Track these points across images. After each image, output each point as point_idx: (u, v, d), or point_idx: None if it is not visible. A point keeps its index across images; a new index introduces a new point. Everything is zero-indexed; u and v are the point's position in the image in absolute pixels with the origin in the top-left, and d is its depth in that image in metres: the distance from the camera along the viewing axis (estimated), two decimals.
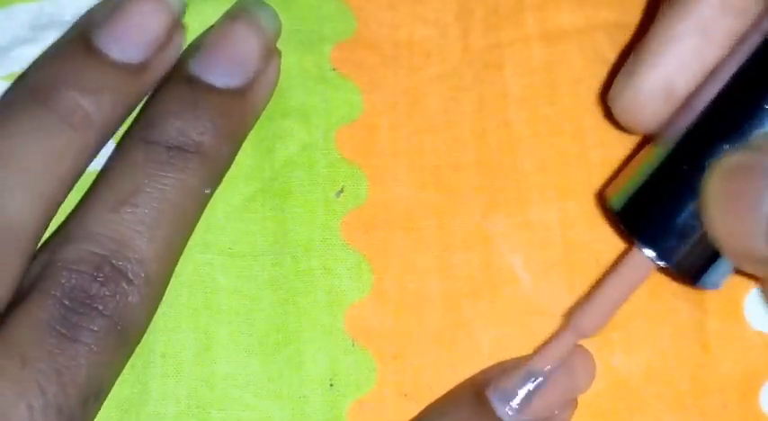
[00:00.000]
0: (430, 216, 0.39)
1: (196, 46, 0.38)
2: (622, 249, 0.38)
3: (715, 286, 0.35)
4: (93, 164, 0.38)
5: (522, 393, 0.35)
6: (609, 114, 0.38)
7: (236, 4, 0.39)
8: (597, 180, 0.39)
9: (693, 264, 0.34)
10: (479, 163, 0.40)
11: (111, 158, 0.37)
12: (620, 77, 0.36)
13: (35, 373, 0.32)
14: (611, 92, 0.36)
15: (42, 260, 0.35)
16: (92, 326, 0.33)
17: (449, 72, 0.41)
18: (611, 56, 0.41)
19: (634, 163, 0.36)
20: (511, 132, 0.40)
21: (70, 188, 0.36)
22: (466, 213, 0.39)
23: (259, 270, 0.38)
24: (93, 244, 0.34)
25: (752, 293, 0.39)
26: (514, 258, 0.39)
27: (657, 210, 0.34)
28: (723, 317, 0.39)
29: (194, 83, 0.37)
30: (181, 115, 0.36)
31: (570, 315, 0.36)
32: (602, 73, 0.40)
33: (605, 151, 0.40)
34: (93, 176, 0.38)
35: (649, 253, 0.34)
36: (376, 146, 0.40)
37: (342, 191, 0.39)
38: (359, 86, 0.40)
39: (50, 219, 0.36)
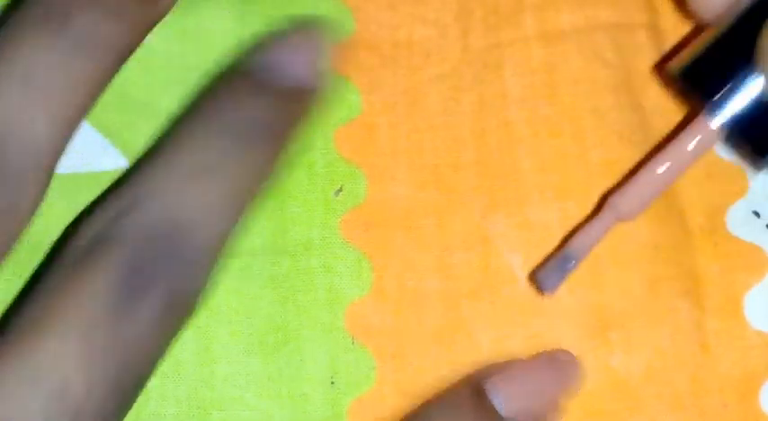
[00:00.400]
0: (429, 215, 0.39)
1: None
2: (622, 249, 0.39)
3: None
4: (92, 165, 0.39)
5: (554, 275, 0.35)
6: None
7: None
8: (597, 180, 0.39)
9: (758, 135, 0.33)
10: (479, 163, 0.40)
11: (182, 126, 0.35)
12: None
13: (92, 344, 0.31)
14: None
15: (102, 220, 0.33)
16: (152, 298, 0.32)
17: (448, 72, 0.41)
18: (611, 56, 0.41)
19: (700, 37, 0.35)
20: (510, 132, 0.40)
21: (86, 113, 0.35)
22: (465, 213, 0.39)
23: (258, 269, 0.38)
24: (161, 211, 0.33)
25: (752, 292, 0.39)
26: (514, 258, 0.39)
27: (725, 75, 0.33)
28: (723, 316, 0.39)
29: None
30: (248, 99, 0.35)
31: (610, 195, 0.35)
32: (601, 73, 0.40)
33: (605, 151, 0.40)
34: (93, 177, 0.38)
35: (716, 117, 0.33)
36: (375, 145, 0.40)
37: (341, 190, 0.39)
38: (358, 87, 0.41)
39: (68, 143, 0.35)
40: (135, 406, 0.36)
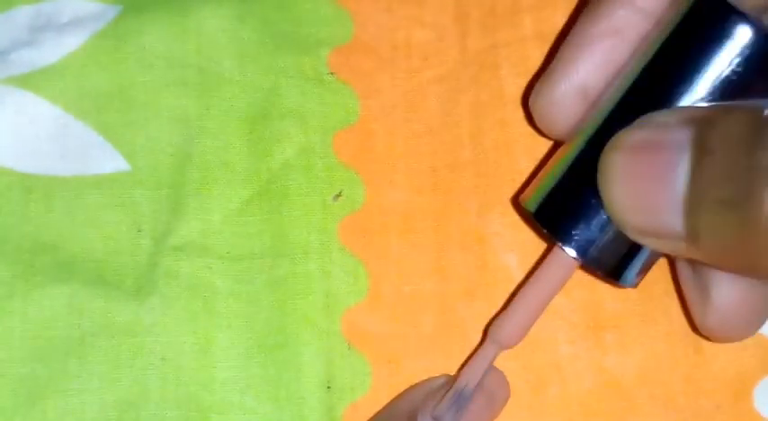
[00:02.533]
0: (426, 218, 0.40)
1: None
2: None
3: (633, 283, 0.35)
4: (92, 167, 0.39)
5: (449, 415, 0.35)
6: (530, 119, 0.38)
7: None
8: None
9: (613, 260, 0.34)
10: (475, 163, 0.40)
11: None
12: (539, 83, 0.36)
13: None
14: (532, 97, 0.37)
15: None
16: None
17: (446, 74, 0.41)
18: None
19: (548, 164, 0.35)
20: (507, 132, 0.40)
21: None
22: (462, 213, 0.40)
23: (257, 273, 0.38)
24: None
25: None
26: (510, 258, 0.39)
27: (572, 207, 0.33)
28: None
29: None
30: None
31: (489, 327, 0.35)
32: None
33: None
34: (94, 180, 0.39)
35: (569, 250, 0.33)
36: (373, 150, 0.40)
37: (339, 195, 0.40)
38: (356, 91, 0.41)
39: None
40: (135, 408, 0.37)
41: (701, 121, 0.30)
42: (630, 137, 0.31)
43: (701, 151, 0.29)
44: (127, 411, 0.37)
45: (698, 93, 0.31)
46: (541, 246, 0.39)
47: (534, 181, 0.35)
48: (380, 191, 0.40)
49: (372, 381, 0.38)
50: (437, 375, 0.38)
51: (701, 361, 0.38)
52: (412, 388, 0.38)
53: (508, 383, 0.37)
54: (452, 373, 0.38)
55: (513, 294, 0.36)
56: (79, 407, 0.36)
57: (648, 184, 0.30)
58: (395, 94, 0.41)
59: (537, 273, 0.35)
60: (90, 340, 0.37)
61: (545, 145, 0.40)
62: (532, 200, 0.35)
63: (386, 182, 0.40)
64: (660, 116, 0.31)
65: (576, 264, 0.34)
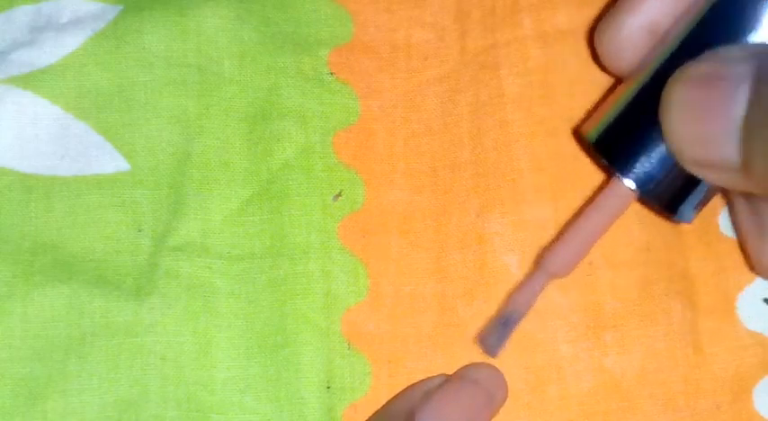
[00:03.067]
0: (426, 218, 0.40)
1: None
2: (615, 251, 0.39)
3: (689, 218, 0.35)
4: (93, 167, 0.39)
5: (494, 338, 0.36)
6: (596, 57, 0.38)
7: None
8: (592, 180, 0.40)
9: (670, 193, 0.34)
10: (475, 163, 0.40)
11: None
12: (607, 19, 0.37)
13: None
14: (598, 33, 0.37)
15: None
16: None
17: (446, 74, 0.41)
18: None
19: (610, 97, 0.36)
20: (507, 132, 0.40)
21: None
22: (461, 213, 0.40)
23: (257, 273, 0.38)
24: None
25: (745, 292, 0.39)
26: (509, 257, 0.39)
27: (634, 139, 0.34)
28: (716, 316, 0.39)
29: None
30: None
31: (543, 254, 0.36)
32: (597, 74, 0.40)
33: None
34: (94, 180, 0.38)
35: (628, 182, 0.34)
36: (373, 150, 0.40)
37: (339, 195, 0.40)
38: (356, 91, 0.41)
39: None
40: (135, 408, 0.37)
41: (763, 55, 0.30)
42: (695, 69, 0.32)
43: (760, 81, 0.30)
44: (127, 411, 0.37)
45: (764, 31, 0.32)
46: (541, 245, 0.39)
47: (596, 112, 0.36)
48: (380, 191, 0.40)
49: (372, 381, 0.38)
50: (441, 371, 0.38)
51: (701, 361, 0.38)
52: (410, 387, 0.38)
53: (506, 383, 0.37)
54: (452, 373, 0.38)
55: (568, 224, 0.36)
56: (79, 406, 0.36)
57: (708, 114, 0.31)
58: (395, 94, 0.41)
59: (594, 203, 0.35)
60: (90, 340, 0.37)
61: (545, 145, 0.40)
62: (593, 130, 0.35)
63: (386, 182, 0.40)
64: (725, 50, 0.32)
65: (634, 195, 0.34)
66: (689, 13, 0.34)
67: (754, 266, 0.37)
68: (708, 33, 0.33)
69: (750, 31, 0.32)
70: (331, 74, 0.41)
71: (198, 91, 0.40)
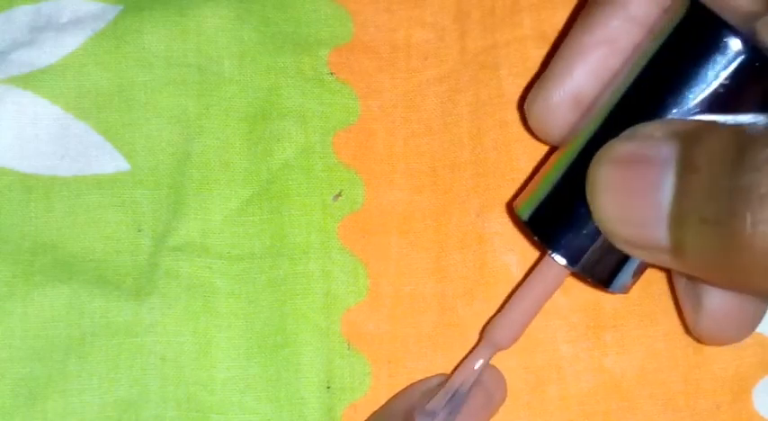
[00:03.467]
0: (426, 218, 0.40)
1: None
2: None
3: (624, 290, 0.35)
4: (93, 167, 0.39)
5: (444, 413, 0.36)
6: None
7: None
8: None
9: (603, 268, 0.34)
10: (475, 163, 0.40)
11: None
12: (534, 88, 0.37)
13: None
14: (527, 103, 0.37)
15: None
16: None
17: (446, 74, 0.41)
18: None
19: (541, 171, 0.36)
20: (506, 132, 0.40)
21: None
22: (461, 213, 0.40)
23: (257, 273, 0.38)
24: None
25: None
26: (509, 257, 0.39)
27: (564, 216, 0.34)
28: None
29: None
30: None
31: (485, 328, 0.36)
32: None
33: None
34: (94, 180, 0.39)
35: (559, 259, 0.34)
36: (373, 150, 0.40)
37: (339, 195, 0.40)
38: (356, 91, 0.41)
39: None
40: (135, 408, 0.37)
41: (686, 137, 0.30)
42: (617, 149, 0.32)
43: (685, 168, 0.30)
44: (127, 411, 0.37)
45: (687, 105, 0.32)
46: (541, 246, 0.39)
47: (528, 187, 0.36)
48: (380, 191, 0.40)
49: (372, 381, 0.38)
50: (440, 372, 0.38)
51: (701, 361, 0.38)
52: (409, 387, 0.38)
53: (506, 382, 0.37)
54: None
55: (509, 296, 0.36)
56: (79, 406, 0.36)
57: (635, 198, 0.31)
58: (395, 94, 0.41)
59: (530, 277, 0.35)
60: (90, 340, 0.37)
61: (544, 146, 0.40)
62: (525, 207, 0.35)
63: (386, 182, 0.40)
64: (646, 128, 0.31)
65: (567, 271, 0.34)
66: (612, 85, 0.34)
67: (690, 331, 0.37)
68: (631, 106, 0.33)
69: (672, 105, 0.32)
70: (331, 74, 0.41)
71: (198, 91, 0.40)
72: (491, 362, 0.37)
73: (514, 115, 0.40)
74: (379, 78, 0.41)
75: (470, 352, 0.36)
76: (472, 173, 0.40)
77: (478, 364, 0.36)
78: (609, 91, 0.34)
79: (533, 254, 0.39)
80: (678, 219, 0.30)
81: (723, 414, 0.38)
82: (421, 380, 0.38)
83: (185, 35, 0.40)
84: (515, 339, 0.36)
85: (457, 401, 0.36)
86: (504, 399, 0.37)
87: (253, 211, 0.39)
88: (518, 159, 0.40)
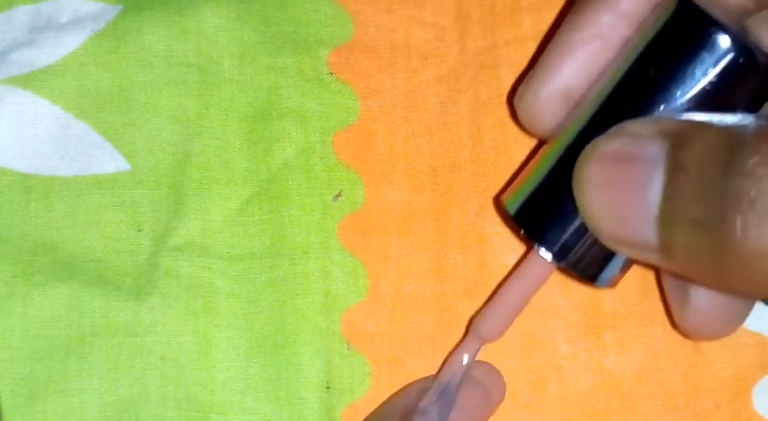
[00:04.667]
0: (426, 218, 0.40)
1: None
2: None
3: (610, 285, 0.35)
4: (93, 167, 0.39)
5: (435, 410, 0.36)
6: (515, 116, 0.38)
7: None
8: None
9: (589, 263, 0.34)
10: (475, 162, 0.40)
11: None
12: (523, 83, 0.37)
13: None
14: (516, 98, 0.37)
15: None
16: None
17: (446, 74, 0.41)
18: None
19: (529, 166, 0.36)
20: (506, 132, 0.40)
21: None
22: (461, 212, 0.40)
23: (257, 273, 0.38)
24: None
25: None
26: (509, 257, 0.39)
27: (551, 211, 0.34)
28: None
29: None
30: None
31: (472, 321, 0.36)
32: None
33: None
34: (94, 180, 0.39)
35: (545, 253, 0.34)
36: (373, 150, 0.40)
37: (339, 195, 0.40)
38: (356, 91, 0.41)
39: None
40: (135, 408, 0.37)
41: (674, 136, 0.30)
42: (604, 146, 0.32)
43: (674, 168, 0.29)
44: (127, 411, 0.37)
45: (675, 102, 0.31)
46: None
47: (515, 182, 0.36)
48: (380, 191, 0.40)
49: (372, 382, 0.38)
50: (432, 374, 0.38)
51: (700, 360, 0.38)
52: (406, 387, 0.38)
53: (504, 381, 0.37)
54: None
55: (496, 289, 0.36)
56: (79, 406, 0.36)
57: (622, 195, 0.31)
58: (395, 94, 0.41)
59: (517, 271, 0.35)
60: (90, 340, 0.37)
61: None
62: (512, 201, 0.35)
63: (386, 182, 0.40)
64: (634, 126, 0.31)
65: (553, 265, 0.34)
66: (601, 81, 0.34)
67: (676, 325, 0.37)
68: (619, 103, 0.33)
69: (660, 102, 0.32)
70: (331, 74, 0.41)
71: (198, 91, 0.40)
72: (491, 362, 0.37)
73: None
74: (379, 78, 0.41)
75: (456, 346, 0.36)
76: (472, 172, 0.40)
77: (465, 358, 0.36)
78: (598, 87, 0.34)
79: None
80: (667, 219, 0.30)
81: (723, 414, 0.38)
82: (418, 380, 0.38)
83: (185, 35, 0.40)
84: (501, 332, 0.35)
85: (448, 397, 0.36)
86: (502, 398, 0.37)
87: (253, 211, 0.39)
88: (518, 159, 0.40)
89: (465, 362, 0.36)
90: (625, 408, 0.38)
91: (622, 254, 0.33)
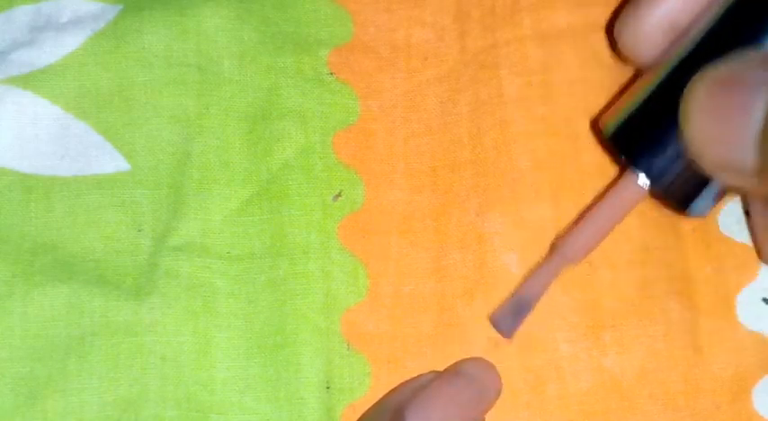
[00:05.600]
0: (426, 218, 0.40)
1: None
2: (614, 250, 0.39)
3: (702, 213, 0.35)
4: (93, 167, 0.39)
5: (509, 318, 0.37)
6: (614, 46, 0.38)
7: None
8: (591, 179, 0.40)
9: (683, 189, 0.34)
10: (475, 162, 0.40)
11: None
12: (627, 12, 0.37)
13: None
14: (618, 25, 0.37)
15: None
16: None
17: (446, 74, 0.41)
18: (607, 56, 0.41)
19: (629, 91, 0.36)
20: (506, 132, 0.40)
21: None
22: (461, 213, 0.40)
23: (257, 273, 0.39)
24: None
25: (744, 292, 0.39)
26: (509, 257, 0.39)
27: (650, 134, 0.34)
28: (715, 316, 0.39)
29: None
30: None
31: (558, 241, 0.36)
32: (597, 73, 0.41)
33: (600, 151, 0.40)
34: (94, 180, 0.39)
35: (641, 176, 0.34)
36: (373, 150, 0.40)
37: (339, 195, 0.40)
38: (356, 91, 0.41)
39: None
40: (135, 407, 0.37)
41: None
42: (715, 72, 0.32)
43: None
44: (126, 410, 0.37)
45: None
46: (542, 245, 0.39)
47: (613, 107, 0.36)
48: (380, 191, 0.40)
49: (372, 382, 0.38)
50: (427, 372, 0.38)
51: (701, 360, 0.39)
52: (400, 385, 0.38)
53: (500, 377, 0.37)
54: (444, 369, 0.38)
55: (583, 214, 0.37)
56: (79, 406, 0.36)
57: (726, 119, 0.31)
58: (395, 94, 0.41)
59: (608, 194, 0.36)
60: (90, 339, 0.37)
61: (545, 145, 0.40)
62: (610, 124, 0.35)
63: (386, 182, 0.40)
64: (745, 55, 0.32)
65: (646, 190, 0.34)
66: (709, 11, 0.34)
67: (761, 257, 0.38)
68: (726, 34, 0.33)
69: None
70: (331, 74, 0.41)
71: (198, 91, 0.40)
72: (490, 359, 0.37)
73: (514, 115, 0.40)
74: (379, 78, 0.41)
75: (540, 263, 0.37)
76: (472, 172, 0.40)
77: (547, 275, 0.36)
78: (706, 16, 0.34)
79: (533, 253, 0.39)
80: (766, 139, 0.30)
81: (723, 414, 0.38)
82: (413, 378, 0.38)
83: (185, 35, 0.41)
84: (586, 254, 0.36)
85: (522, 310, 0.36)
86: (498, 394, 0.37)
87: (252, 211, 0.39)
88: (518, 159, 0.40)
89: (546, 280, 0.36)
90: (625, 408, 0.38)
91: (719, 179, 0.33)
